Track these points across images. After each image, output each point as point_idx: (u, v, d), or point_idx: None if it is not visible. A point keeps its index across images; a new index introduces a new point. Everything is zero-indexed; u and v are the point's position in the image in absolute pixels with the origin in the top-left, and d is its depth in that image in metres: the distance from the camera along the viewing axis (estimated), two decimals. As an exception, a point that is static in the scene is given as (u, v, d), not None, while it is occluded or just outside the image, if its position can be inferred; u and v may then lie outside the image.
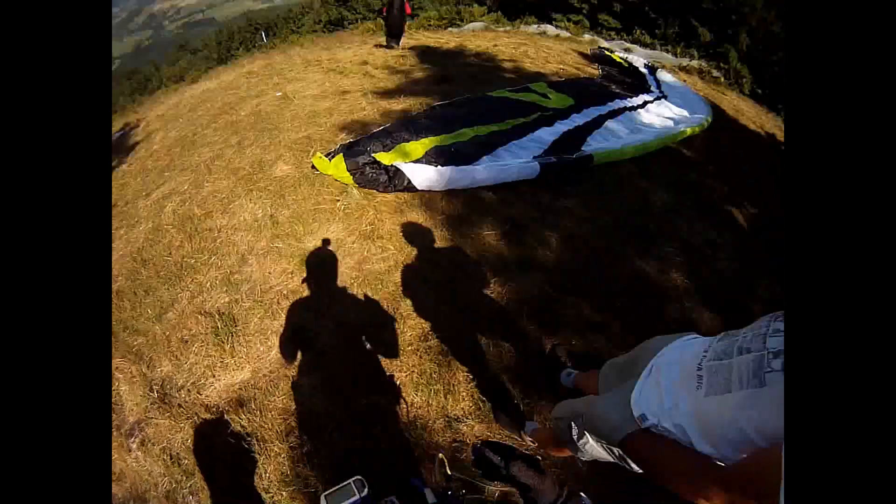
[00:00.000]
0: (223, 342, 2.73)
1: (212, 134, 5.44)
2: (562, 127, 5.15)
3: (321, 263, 3.21)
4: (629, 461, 1.28)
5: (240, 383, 2.54)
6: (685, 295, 3.42)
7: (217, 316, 2.89)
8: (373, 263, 3.18)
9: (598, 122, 5.48)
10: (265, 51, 13.82)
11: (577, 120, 5.45)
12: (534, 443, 2.19)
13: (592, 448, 1.44)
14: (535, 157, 4.27)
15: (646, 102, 6.94)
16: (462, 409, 2.41)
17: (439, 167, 3.85)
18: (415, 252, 3.28)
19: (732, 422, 0.98)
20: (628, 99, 6.87)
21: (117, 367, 2.70)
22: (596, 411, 1.41)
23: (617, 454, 1.32)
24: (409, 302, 2.92)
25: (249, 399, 2.46)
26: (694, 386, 1.12)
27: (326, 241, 3.35)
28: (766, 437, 0.92)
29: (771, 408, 0.90)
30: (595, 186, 4.32)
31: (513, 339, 2.74)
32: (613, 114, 5.94)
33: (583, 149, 4.72)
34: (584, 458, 1.56)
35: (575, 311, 3.00)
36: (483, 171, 3.89)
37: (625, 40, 13.64)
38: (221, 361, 2.65)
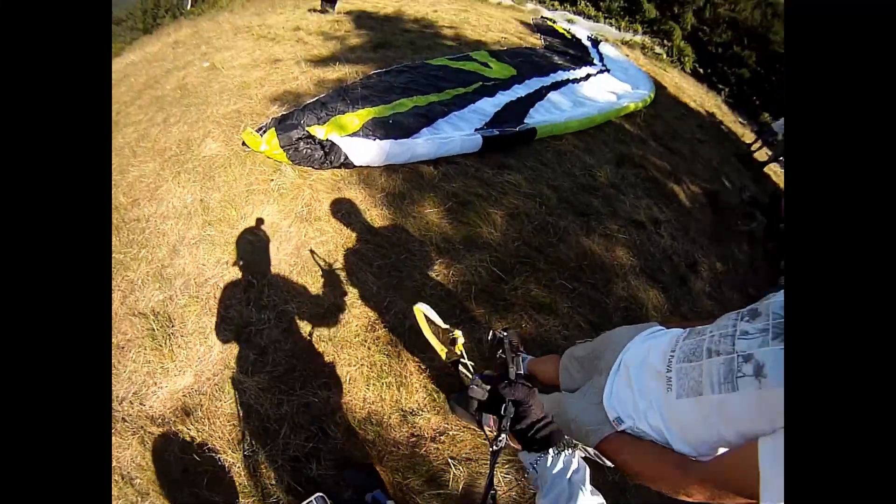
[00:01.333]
0: (161, 345, 2.53)
1: (136, 112, 5.00)
2: (504, 98, 5.03)
3: (257, 251, 3.01)
4: (603, 458, 1.27)
5: (183, 389, 2.37)
6: (631, 272, 3.41)
7: (152, 316, 2.67)
8: (312, 247, 3.01)
9: (540, 94, 5.40)
10: (192, 17, 12.95)
11: (520, 91, 5.35)
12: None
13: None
14: (476, 130, 4.16)
15: (589, 75, 6.92)
16: (416, 401, 2.34)
17: (378, 140, 3.67)
18: (355, 234, 3.13)
19: (709, 425, 0.99)
20: (571, 71, 6.83)
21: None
22: (568, 415, 1.37)
23: (593, 453, 1.29)
24: (353, 289, 2.79)
25: (195, 406, 2.30)
26: (664, 388, 1.12)
27: (262, 226, 3.15)
28: (744, 436, 0.93)
29: (748, 411, 0.92)
30: (538, 161, 4.23)
31: (462, 323, 2.65)
32: (556, 85, 5.88)
33: (525, 121, 4.64)
34: None
35: (523, 291, 2.93)
36: (424, 145, 3.74)
37: (568, 11, 13.60)
38: (162, 367, 2.46)
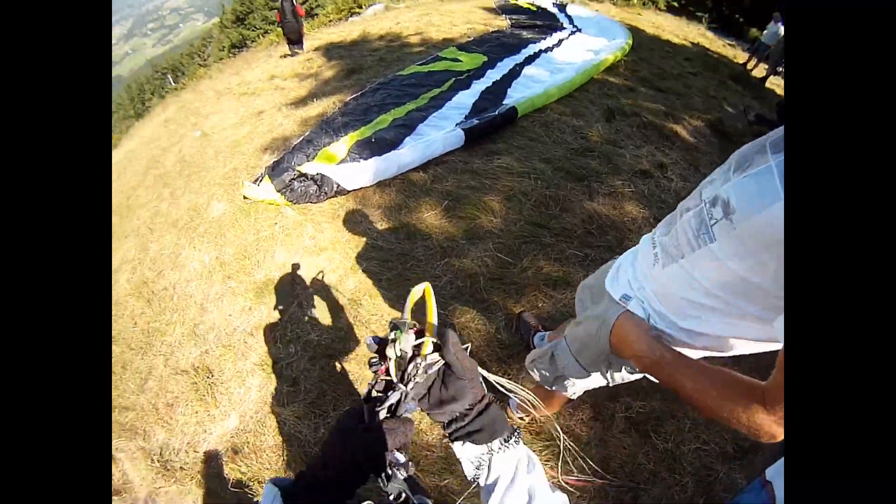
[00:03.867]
0: (205, 396, 2.69)
1: (145, 193, 5.28)
2: (479, 86, 5.09)
3: (275, 291, 3.15)
4: (615, 372, 1.29)
5: (231, 431, 2.51)
6: (645, 224, 3.40)
7: (193, 372, 2.84)
8: (324, 277, 3.13)
9: (515, 72, 5.42)
10: (177, 93, 13.42)
11: (494, 75, 5.40)
12: (522, 413, 2.16)
13: (576, 370, 1.39)
14: (457, 125, 4.20)
15: (561, 41, 6.90)
16: None
17: (364, 161, 3.76)
18: (361, 254, 3.23)
19: (692, 283, 0.98)
20: (542, 41, 6.84)
21: (117, 448, 2.64)
22: (577, 328, 1.36)
23: (605, 363, 1.29)
24: (367, 307, 2.88)
25: (242, 444, 2.43)
26: (651, 263, 1.13)
27: (275, 268, 3.29)
28: (728, 287, 0.92)
29: (728, 255, 0.90)
30: (526, 138, 4.25)
31: (479, 316, 2.71)
32: (530, 59, 5.89)
33: (504, 102, 4.67)
34: (572, 391, 1.53)
35: (533, 271, 2.95)
36: (408, 154, 3.82)
37: (529, -16, 13.45)
38: (208, 414, 2.61)
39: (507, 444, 0.75)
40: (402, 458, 0.74)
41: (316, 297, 3.01)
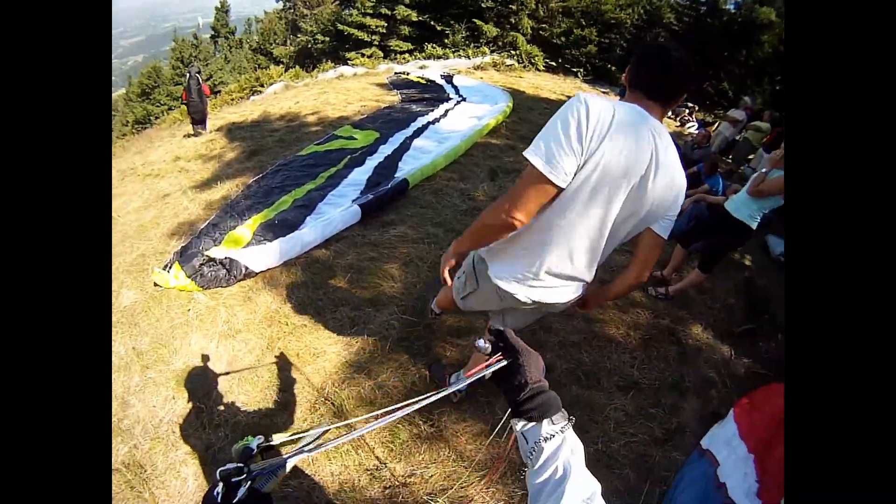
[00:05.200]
0: (142, 492, 2.66)
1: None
2: (372, 162, 5.53)
3: (197, 378, 3.23)
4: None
5: None
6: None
7: (125, 469, 2.79)
8: (241, 359, 3.27)
9: (405, 146, 5.92)
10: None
11: (386, 150, 5.89)
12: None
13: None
14: (353, 201, 4.56)
15: (447, 111, 7.53)
16: (375, 457, 2.58)
17: (269, 243, 3.98)
18: (275, 333, 3.42)
19: None
20: (430, 113, 7.43)
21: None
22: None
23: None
24: (288, 380, 3.07)
25: None
26: None
27: (193, 355, 3.38)
28: None
29: None
30: (418, 206, 4.67)
31: (394, 375, 2.98)
32: (418, 132, 6.43)
33: (396, 175, 5.13)
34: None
35: (437, 325, 3.30)
36: (310, 233, 4.10)
37: (419, 59, 14.43)
38: None
39: (558, 430, 0.88)
40: None
41: (238, 379, 3.14)
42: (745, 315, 4.13)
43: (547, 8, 17.31)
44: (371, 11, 18.28)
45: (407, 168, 5.29)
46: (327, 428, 1.13)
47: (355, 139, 6.35)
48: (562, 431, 0.88)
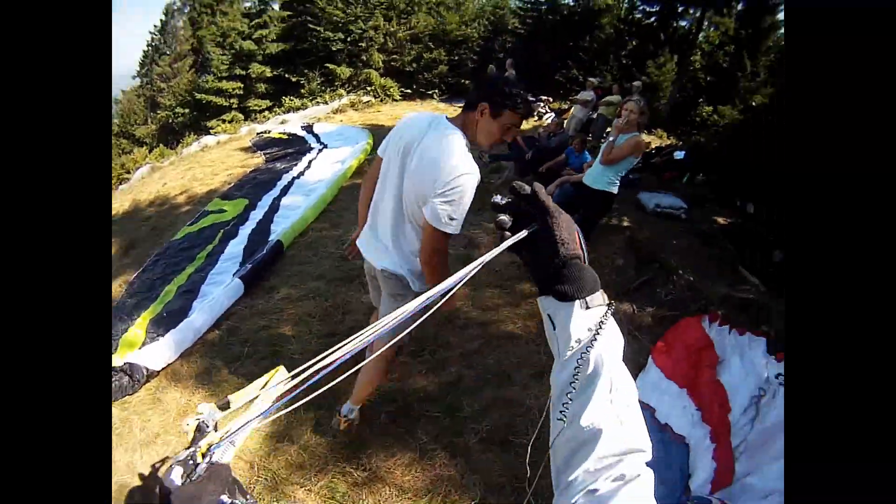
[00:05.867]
0: None
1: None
2: (245, 231, 5.60)
3: (130, 495, 3.10)
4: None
5: None
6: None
7: None
8: (163, 460, 3.21)
9: (274, 207, 6.10)
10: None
11: (257, 216, 5.98)
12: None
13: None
14: (234, 275, 4.62)
15: (310, 162, 7.73)
16: None
17: (162, 339, 3.93)
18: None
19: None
20: (294, 168, 7.61)
21: None
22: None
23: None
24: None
25: None
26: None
27: (120, 472, 3.23)
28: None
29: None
30: (296, 264, 4.89)
31: (313, 436, 3.12)
32: (285, 190, 6.62)
33: (269, 239, 5.24)
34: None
35: (343, 371, 3.45)
36: (199, 318, 4.11)
37: (279, 114, 14.54)
38: None
39: (592, 315, 0.70)
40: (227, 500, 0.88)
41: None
42: (635, 270, 4.63)
43: (395, 38, 18.04)
44: (226, 74, 18.32)
45: (279, 229, 5.40)
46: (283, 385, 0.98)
47: (225, 211, 6.36)
48: (598, 317, 0.70)
